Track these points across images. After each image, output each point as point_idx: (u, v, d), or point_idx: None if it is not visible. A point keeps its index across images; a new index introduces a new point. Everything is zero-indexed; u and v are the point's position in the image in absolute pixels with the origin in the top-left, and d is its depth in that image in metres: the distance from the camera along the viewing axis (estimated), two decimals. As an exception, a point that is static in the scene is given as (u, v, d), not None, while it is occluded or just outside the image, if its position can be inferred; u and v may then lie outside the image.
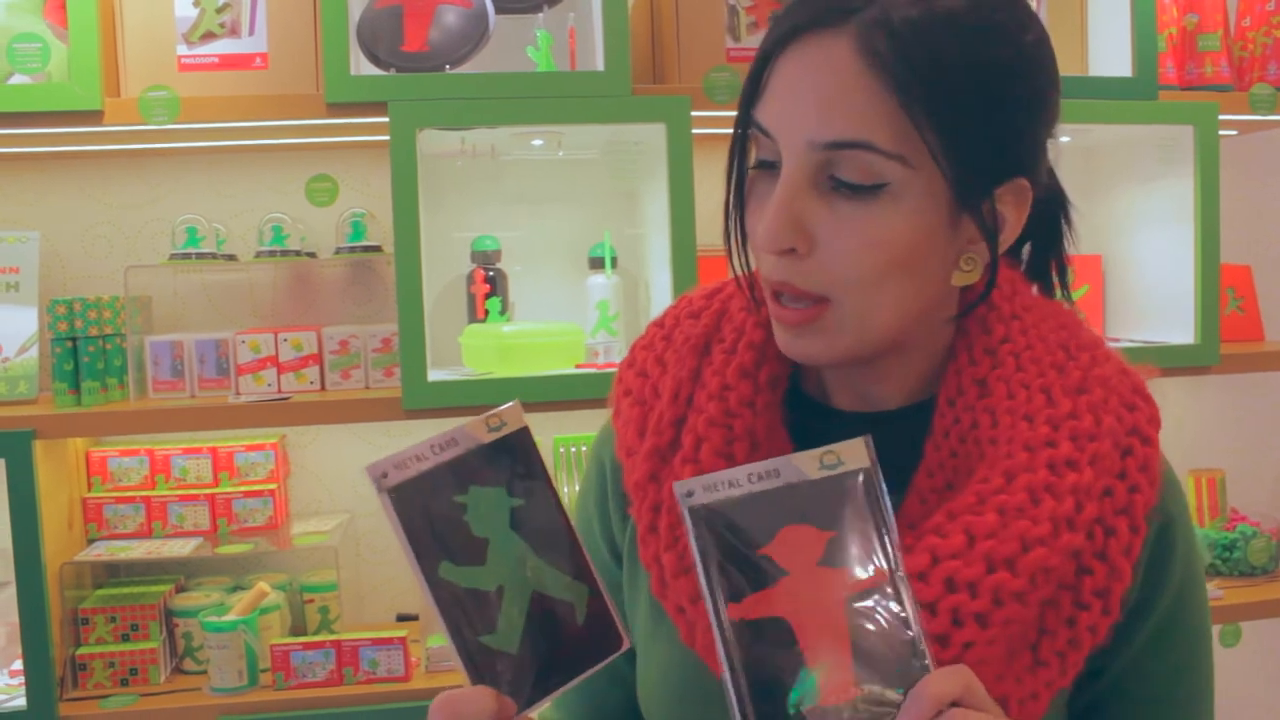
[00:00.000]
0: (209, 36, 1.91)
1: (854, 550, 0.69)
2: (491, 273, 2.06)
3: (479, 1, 1.89)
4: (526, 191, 2.19)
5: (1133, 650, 0.84)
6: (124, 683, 1.90)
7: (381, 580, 2.21)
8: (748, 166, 0.82)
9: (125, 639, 1.92)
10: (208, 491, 2.04)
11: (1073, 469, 0.77)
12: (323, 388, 1.99)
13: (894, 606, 0.69)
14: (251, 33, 1.92)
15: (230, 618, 1.87)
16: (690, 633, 0.83)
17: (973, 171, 0.77)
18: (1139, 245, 2.24)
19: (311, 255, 2.10)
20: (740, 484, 0.70)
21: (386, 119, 1.81)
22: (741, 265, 0.86)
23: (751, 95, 0.80)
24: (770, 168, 0.80)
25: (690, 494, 0.70)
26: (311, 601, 2.03)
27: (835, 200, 0.77)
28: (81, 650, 1.90)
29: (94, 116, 1.80)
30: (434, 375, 1.88)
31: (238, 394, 1.95)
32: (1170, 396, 2.17)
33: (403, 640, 1.90)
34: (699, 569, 0.70)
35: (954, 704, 0.67)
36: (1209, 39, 2.24)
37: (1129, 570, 0.78)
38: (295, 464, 2.19)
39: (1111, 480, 0.79)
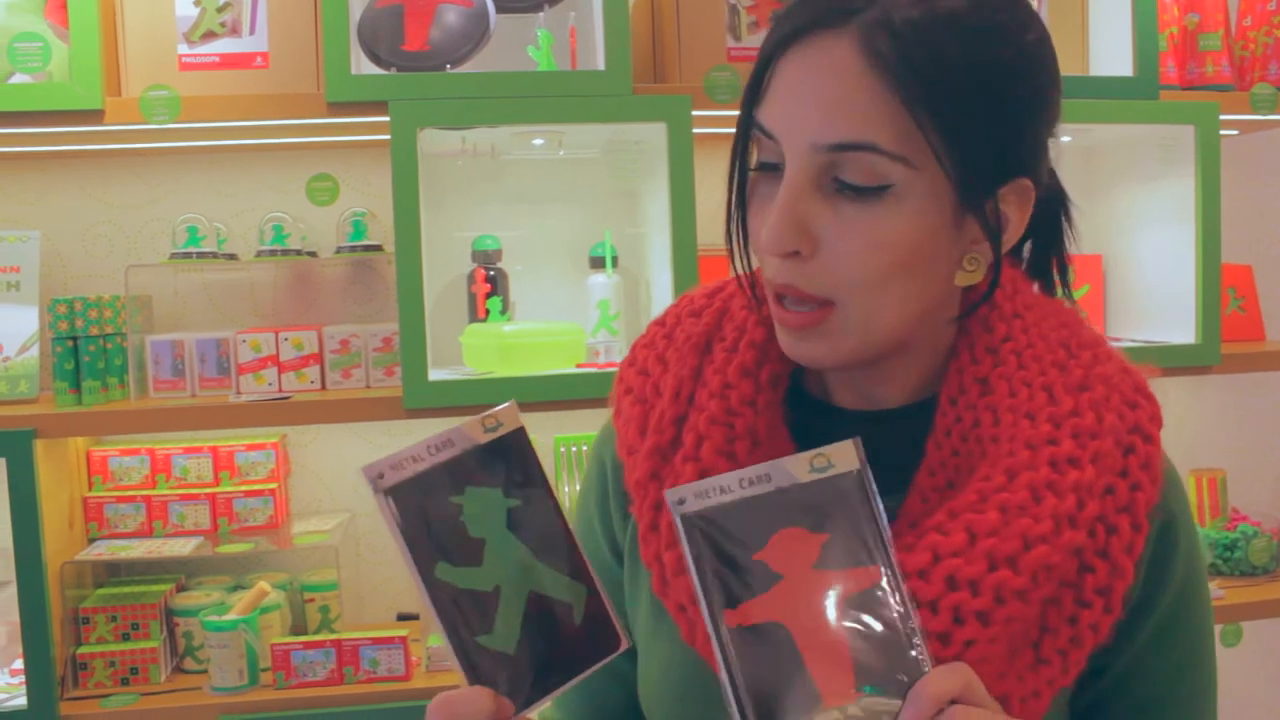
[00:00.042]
0: (210, 36, 1.91)
1: (848, 552, 0.69)
2: (492, 272, 2.06)
3: (480, 1, 1.89)
4: (527, 191, 2.19)
5: (1135, 648, 0.84)
6: (125, 682, 1.90)
7: (382, 580, 2.21)
8: (749, 168, 0.82)
9: (126, 638, 1.92)
10: (208, 491, 2.04)
11: (1074, 466, 0.77)
12: (323, 387, 1.99)
13: (891, 607, 0.69)
14: (252, 32, 1.92)
15: (231, 617, 1.87)
16: (691, 631, 0.83)
17: (976, 172, 0.77)
18: (1140, 245, 2.24)
19: (312, 254, 2.10)
20: (732, 489, 0.70)
21: (387, 118, 1.81)
22: (743, 266, 0.86)
23: (753, 97, 0.80)
24: (773, 169, 0.80)
25: (682, 501, 0.70)
26: (312, 601, 2.03)
27: (839, 202, 0.77)
28: (82, 649, 1.90)
29: (95, 116, 1.80)
30: (435, 375, 1.88)
31: (238, 393, 1.95)
32: (1171, 396, 2.16)
33: (403, 640, 1.90)
34: (694, 576, 0.69)
35: (953, 701, 0.67)
36: (1210, 38, 2.24)
37: (1131, 568, 0.78)
38: (296, 463, 2.19)
39: (1113, 478, 0.79)
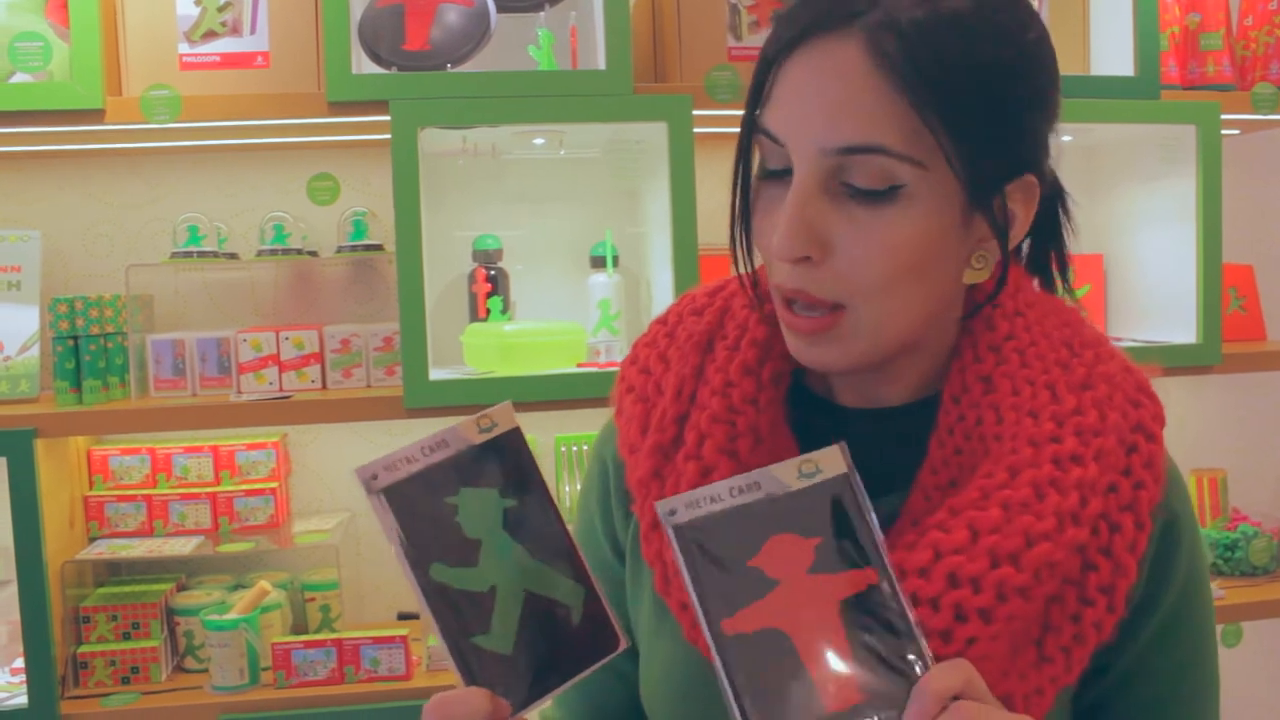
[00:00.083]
0: (210, 35, 1.91)
1: (842, 555, 0.69)
2: (493, 272, 2.06)
3: (480, 0, 1.89)
4: (528, 190, 2.19)
5: (1138, 647, 0.85)
6: (125, 681, 1.90)
7: (383, 579, 2.21)
8: (753, 173, 0.82)
9: (126, 637, 1.92)
10: (209, 490, 2.04)
11: (1077, 464, 0.77)
12: (324, 386, 1.99)
13: (888, 607, 0.69)
14: (253, 31, 1.92)
15: (231, 616, 1.87)
16: (693, 630, 0.83)
17: (984, 170, 0.77)
18: (1141, 245, 2.23)
19: (313, 254, 2.10)
20: (722, 499, 0.70)
21: (388, 118, 1.81)
22: (746, 268, 0.85)
23: (755, 101, 0.80)
24: (777, 175, 0.80)
25: (673, 512, 0.70)
26: (313, 600, 2.03)
27: (849, 206, 0.77)
28: (83, 649, 1.90)
29: (95, 115, 1.80)
30: (435, 374, 1.88)
31: (239, 393, 1.95)
32: (1172, 396, 2.16)
33: (404, 639, 1.90)
34: (689, 587, 0.69)
35: (956, 697, 0.67)
36: (1211, 38, 2.24)
37: (1134, 566, 0.79)
38: (296, 462, 2.19)
39: (1116, 476, 0.79)
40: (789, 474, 0.70)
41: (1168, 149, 2.13)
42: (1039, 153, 0.81)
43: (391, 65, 1.87)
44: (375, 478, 0.71)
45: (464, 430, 0.73)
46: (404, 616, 2.15)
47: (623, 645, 0.75)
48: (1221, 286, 2.12)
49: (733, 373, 0.86)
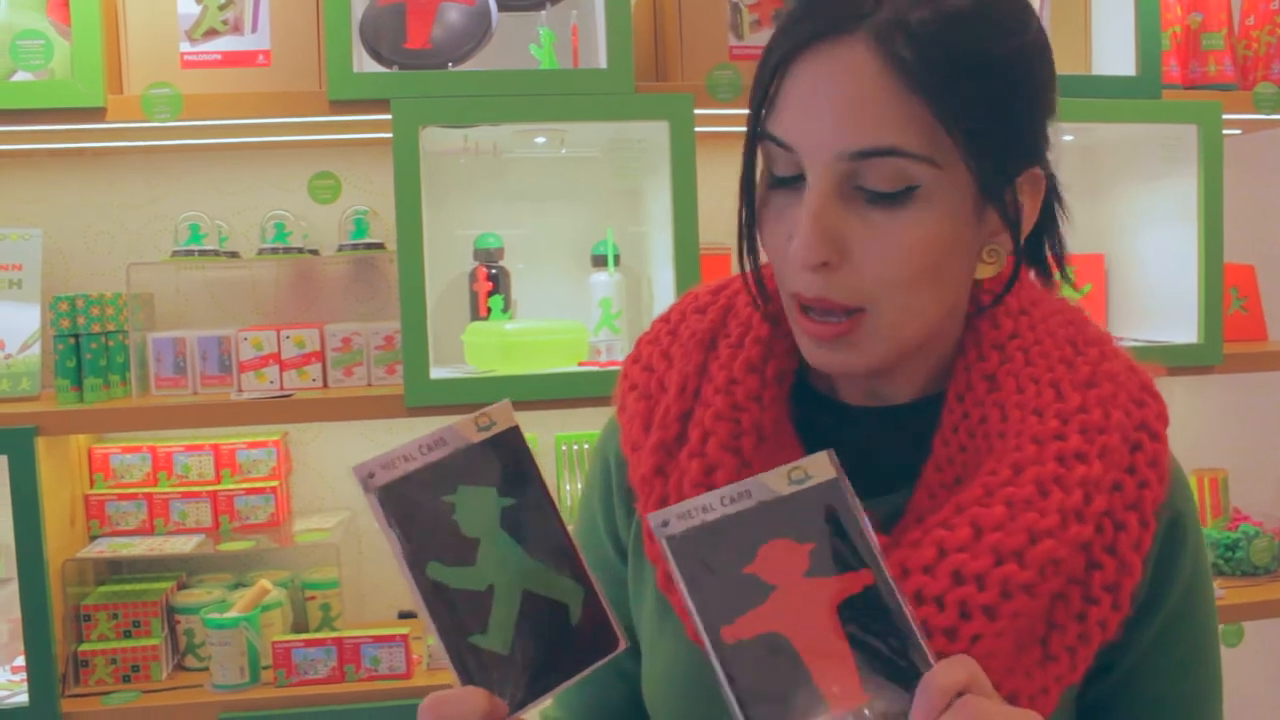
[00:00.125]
0: (212, 33, 1.91)
1: (838, 558, 0.69)
2: (494, 270, 2.06)
3: (482, -1, 1.89)
4: (529, 189, 2.19)
5: (1142, 645, 0.85)
6: (126, 679, 1.90)
7: (383, 577, 2.21)
8: (759, 179, 0.82)
9: (127, 636, 1.92)
10: (210, 488, 2.04)
11: (1081, 461, 0.77)
12: (325, 385, 1.99)
13: (887, 606, 0.69)
14: (254, 30, 1.92)
15: (232, 615, 1.87)
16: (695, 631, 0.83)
17: (997, 165, 0.77)
18: (1142, 244, 2.23)
19: (314, 253, 2.10)
20: (714, 508, 0.70)
21: (389, 116, 1.80)
22: (753, 272, 0.85)
23: (761, 107, 0.79)
24: (786, 181, 0.79)
25: (666, 524, 0.70)
26: (313, 599, 2.03)
27: (864, 209, 0.76)
28: (83, 647, 1.90)
29: (97, 113, 1.80)
30: (436, 373, 1.88)
31: (240, 391, 1.95)
32: (1173, 396, 2.16)
33: (404, 638, 1.90)
34: (686, 598, 0.69)
35: (961, 693, 0.67)
36: (1213, 38, 2.23)
37: (1139, 565, 0.79)
38: (297, 461, 2.19)
39: (1120, 475, 0.79)
40: (779, 481, 0.70)
41: (1169, 149, 2.13)
42: (1043, 145, 0.82)
43: (393, 64, 1.87)
44: (372, 476, 0.71)
45: (462, 429, 0.73)
46: (405, 615, 2.15)
47: (622, 645, 0.74)
48: (1223, 286, 2.12)
49: (737, 370, 0.86)
